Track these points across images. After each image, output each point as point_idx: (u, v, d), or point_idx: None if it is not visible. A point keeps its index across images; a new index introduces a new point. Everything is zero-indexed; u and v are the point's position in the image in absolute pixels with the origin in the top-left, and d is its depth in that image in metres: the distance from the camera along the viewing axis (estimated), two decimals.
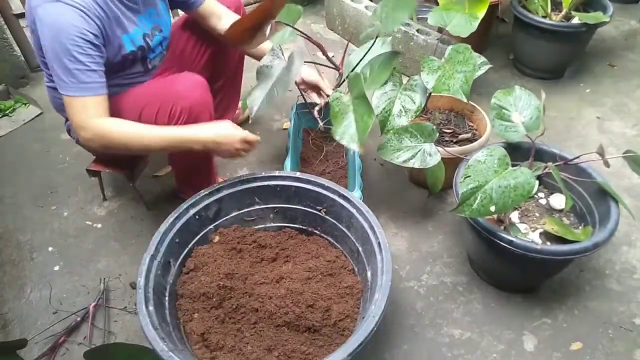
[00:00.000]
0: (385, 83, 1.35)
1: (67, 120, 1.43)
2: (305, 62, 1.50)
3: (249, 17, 1.22)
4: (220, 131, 1.22)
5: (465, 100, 1.21)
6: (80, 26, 1.11)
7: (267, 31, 1.29)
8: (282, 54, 1.31)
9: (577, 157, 1.25)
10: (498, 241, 1.14)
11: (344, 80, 1.50)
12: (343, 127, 1.15)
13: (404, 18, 1.31)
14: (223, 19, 1.49)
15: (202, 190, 1.24)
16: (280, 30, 1.44)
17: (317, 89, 1.60)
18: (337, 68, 1.52)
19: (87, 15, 1.13)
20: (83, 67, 1.13)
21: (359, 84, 1.17)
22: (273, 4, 1.21)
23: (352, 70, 1.44)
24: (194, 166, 1.49)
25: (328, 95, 1.55)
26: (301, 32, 1.46)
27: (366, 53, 1.42)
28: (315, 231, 1.33)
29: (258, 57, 1.52)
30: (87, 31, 1.12)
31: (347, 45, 1.53)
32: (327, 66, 1.55)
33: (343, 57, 1.53)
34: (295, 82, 1.60)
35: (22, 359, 1.15)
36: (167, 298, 1.11)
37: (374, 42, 1.37)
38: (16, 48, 2.24)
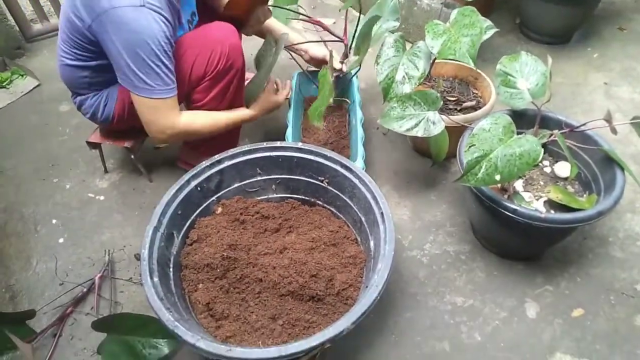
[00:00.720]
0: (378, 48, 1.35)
1: (75, 95, 1.40)
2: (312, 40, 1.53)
3: None
4: (266, 105, 1.43)
5: (472, 65, 1.17)
6: (165, 30, 1.14)
7: (262, 18, 1.33)
8: (274, 42, 1.38)
9: (584, 125, 1.23)
10: (502, 210, 1.13)
11: (350, 49, 1.48)
12: (314, 107, 1.27)
13: None
14: None
15: (204, 162, 1.23)
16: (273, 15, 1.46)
17: (326, 64, 1.58)
18: (341, 40, 1.50)
19: (167, 19, 1.15)
20: (167, 70, 1.18)
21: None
22: None
23: (352, 42, 1.44)
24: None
25: (337, 69, 1.54)
26: (300, 13, 1.44)
27: (357, 23, 1.41)
28: (318, 202, 1.33)
29: (259, 34, 1.51)
30: (170, 34, 1.16)
31: (347, 12, 1.49)
32: (331, 41, 1.53)
33: (345, 27, 1.50)
34: (305, 60, 1.60)
35: (31, 329, 1.17)
36: (171, 269, 1.12)
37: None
38: (10, 18, 2.19)
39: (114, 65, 1.19)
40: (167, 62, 1.17)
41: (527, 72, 1.25)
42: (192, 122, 1.29)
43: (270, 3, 1.41)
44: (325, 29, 1.50)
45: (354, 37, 1.46)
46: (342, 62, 1.55)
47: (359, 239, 1.24)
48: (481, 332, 1.22)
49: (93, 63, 1.27)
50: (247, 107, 1.40)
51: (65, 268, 1.40)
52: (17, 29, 2.25)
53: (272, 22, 1.55)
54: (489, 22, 1.36)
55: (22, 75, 2.13)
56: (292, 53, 1.62)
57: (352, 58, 1.49)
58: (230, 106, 1.40)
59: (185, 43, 1.29)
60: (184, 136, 1.32)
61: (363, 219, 1.20)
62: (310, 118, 1.28)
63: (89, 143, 1.56)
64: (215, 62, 1.28)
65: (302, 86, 1.70)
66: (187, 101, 1.39)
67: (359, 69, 1.51)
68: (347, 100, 1.68)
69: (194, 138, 1.37)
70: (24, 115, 1.96)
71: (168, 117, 1.24)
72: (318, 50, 1.59)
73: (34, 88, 2.09)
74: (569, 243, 1.39)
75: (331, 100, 1.28)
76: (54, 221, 1.54)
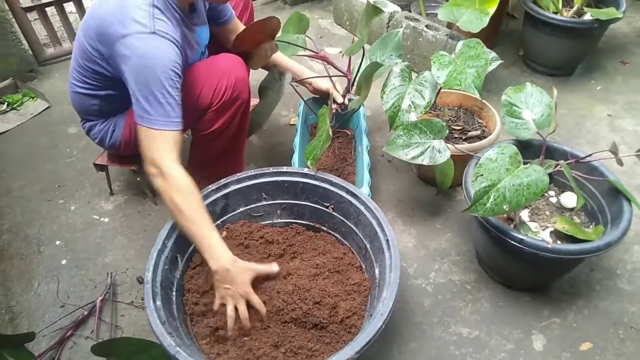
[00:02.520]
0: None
1: (85, 120, 1.42)
2: (317, 76, 1.62)
3: (248, 31, 1.30)
4: (234, 266, 1.06)
5: (477, 95, 1.19)
6: (174, 60, 1.11)
7: (269, 52, 1.37)
8: (278, 76, 1.42)
9: (589, 156, 1.23)
10: (508, 240, 1.12)
11: (353, 84, 1.52)
12: (310, 148, 1.30)
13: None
14: None
15: (210, 186, 1.24)
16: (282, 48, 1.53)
17: (329, 96, 1.63)
18: (344, 75, 1.54)
19: (178, 47, 1.13)
20: (172, 100, 1.12)
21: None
22: (267, 25, 1.33)
23: (354, 79, 1.49)
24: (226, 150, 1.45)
25: (340, 103, 1.57)
26: (306, 48, 1.50)
27: (361, 62, 1.50)
28: (322, 227, 1.33)
29: (265, 67, 1.56)
30: (179, 64, 1.13)
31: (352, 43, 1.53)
32: (335, 76, 1.57)
33: (349, 62, 1.54)
34: (310, 91, 1.66)
35: (30, 352, 1.16)
36: (174, 293, 1.11)
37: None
38: (24, 42, 2.25)
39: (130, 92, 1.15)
40: (173, 93, 1.11)
41: (532, 103, 1.27)
42: (177, 189, 1.07)
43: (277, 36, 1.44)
44: (330, 63, 1.54)
45: (358, 70, 1.49)
46: (344, 96, 1.59)
47: (363, 266, 1.23)
48: None
49: (103, 93, 1.29)
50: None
51: (67, 290, 1.39)
52: (31, 52, 2.30)
53: (278, 55, 1.57)
54: (494, 54, 1.38)
55: (33, 98, 2.17)
56: (297, 84, 1.66)
57: (354, 93, 1.53)
58: (234, 137, 1.39)
59: (192, 73, 1.28)
60: (161, 187, 1.09)
61: (368, 245, 1.19)
62: (305, 157, 1.29)
63: (96, 165, 1.57)
64: (221, 93, 1.27)
65: (310, 112, 1.72)
66: (192, 130, 1.40)
67: (359, 107, 1.54)
68: (348, 130, 1.71)
69: (168, 207, 1.10)
70: (33, 136, 1.99)
71: (157, 151, 1.09)
72: (322, 83, 1.63)
73: (43, 110, 2.12)
74: (576, 275, 1.37)
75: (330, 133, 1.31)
76: (57, 242, 1.54)
